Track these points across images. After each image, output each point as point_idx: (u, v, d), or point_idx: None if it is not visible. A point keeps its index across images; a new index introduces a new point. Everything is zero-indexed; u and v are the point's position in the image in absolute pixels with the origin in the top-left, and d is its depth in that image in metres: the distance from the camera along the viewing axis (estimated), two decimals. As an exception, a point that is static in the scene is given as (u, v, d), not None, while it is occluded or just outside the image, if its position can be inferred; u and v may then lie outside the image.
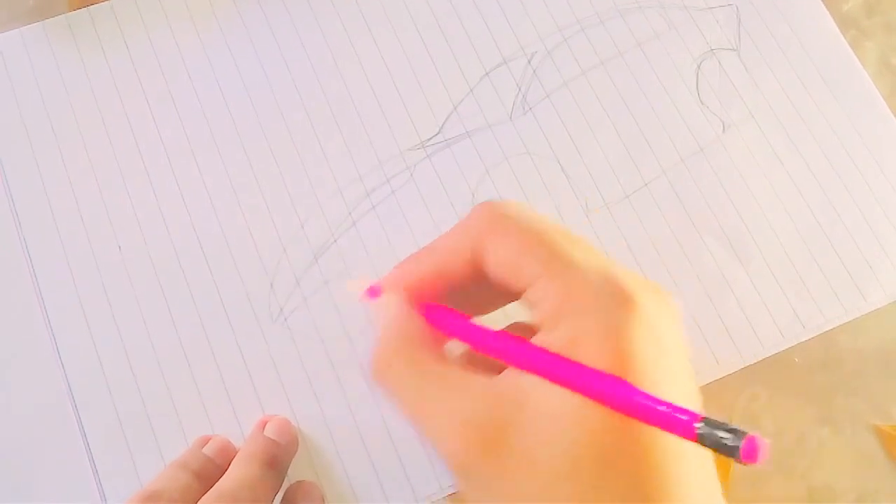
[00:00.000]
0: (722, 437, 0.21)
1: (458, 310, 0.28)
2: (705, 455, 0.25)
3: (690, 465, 0.24)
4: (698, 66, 0.40)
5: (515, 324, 0.30)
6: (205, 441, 0.33)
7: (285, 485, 0.33)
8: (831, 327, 0.37)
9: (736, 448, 0.21)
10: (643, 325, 0.24)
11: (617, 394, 0.23)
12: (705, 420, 0.22)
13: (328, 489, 0.34)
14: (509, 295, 0.27)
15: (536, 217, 0.26)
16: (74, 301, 0.35)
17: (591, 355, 0.23)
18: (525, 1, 0.41)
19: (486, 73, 0.40)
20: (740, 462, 0.21)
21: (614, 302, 0.24)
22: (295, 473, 0.34)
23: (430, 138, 0.39)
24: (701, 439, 0.22)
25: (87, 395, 0.34)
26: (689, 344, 0.26)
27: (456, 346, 0.28)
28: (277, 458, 0.32)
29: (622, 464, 0.23)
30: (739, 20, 0.41)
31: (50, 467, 0.33)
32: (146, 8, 0.40)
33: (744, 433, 0.21)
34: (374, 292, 0.28)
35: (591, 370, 0.23)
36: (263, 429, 0.33)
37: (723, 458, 0.24)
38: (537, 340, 0.25)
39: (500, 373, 0.25)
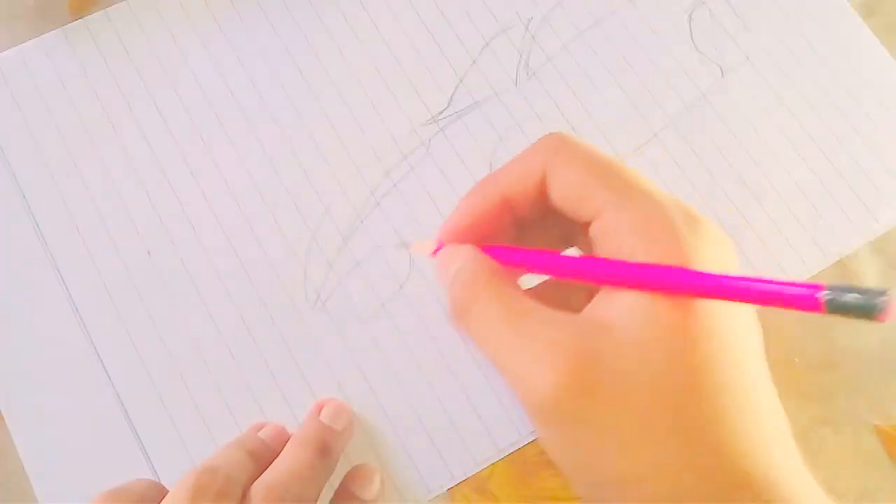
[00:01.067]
0: (853, 300, 0.21)
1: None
2: (771, 388, 0.26)
3: (755, 373, 0.25)
4: (689, 16, 0.41)
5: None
6: (259, 426, 0.34)
7: (345, 466, 0.34)
8: (850, 252, 0.38)
9: (869, 308, 0.21)
10: (712, 246, 0.24)
11: (730, 283, 0.23)
12: (829, 287, 0.22)
13: (386, 469, 0.34)
14: (568, 234, 0.27)
15: (600, 151, 0.27)
16: (112, 312, 0.35)
17: None
18: (515, -32, 0.42)
19: (487, 44, 0.40)
20: (876, 320, 0.21)
21: (688, 226, 0.24)
22: (353, 455, 0.34)
23: (441, 112, 0.39)
24: (830, 305, 0.22)
25: (137, 401, 0.34)
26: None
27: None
28: (330, 443, 0.32)
29: (705, 382, 0.23)
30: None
31: (110, 473, 0.33)
32: (141, 12, 0.40)
33: (877, 292, 0.21)
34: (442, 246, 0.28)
35: (686, 271, 0.23)
36: (319, 413, 0.33)
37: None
38: None
39: (574, 310, 0.25)
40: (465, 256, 0.27)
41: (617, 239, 0.25)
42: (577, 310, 0.25)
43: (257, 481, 0.29)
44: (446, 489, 0.34)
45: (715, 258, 0.24)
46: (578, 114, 0.39)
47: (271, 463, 0.30)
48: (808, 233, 0.38)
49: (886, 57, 0.41)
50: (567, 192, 0.26)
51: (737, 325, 0.25)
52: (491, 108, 0.39)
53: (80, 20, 0.39)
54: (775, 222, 0.38)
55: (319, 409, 0.34)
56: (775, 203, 0.38)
